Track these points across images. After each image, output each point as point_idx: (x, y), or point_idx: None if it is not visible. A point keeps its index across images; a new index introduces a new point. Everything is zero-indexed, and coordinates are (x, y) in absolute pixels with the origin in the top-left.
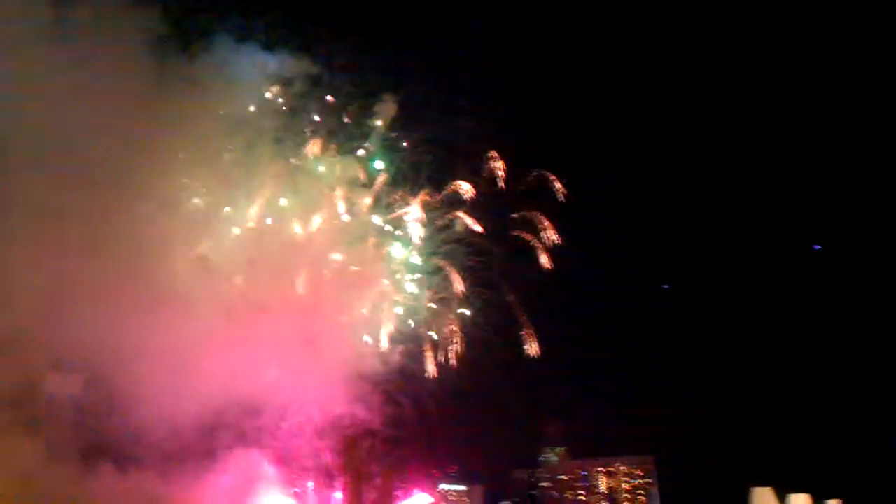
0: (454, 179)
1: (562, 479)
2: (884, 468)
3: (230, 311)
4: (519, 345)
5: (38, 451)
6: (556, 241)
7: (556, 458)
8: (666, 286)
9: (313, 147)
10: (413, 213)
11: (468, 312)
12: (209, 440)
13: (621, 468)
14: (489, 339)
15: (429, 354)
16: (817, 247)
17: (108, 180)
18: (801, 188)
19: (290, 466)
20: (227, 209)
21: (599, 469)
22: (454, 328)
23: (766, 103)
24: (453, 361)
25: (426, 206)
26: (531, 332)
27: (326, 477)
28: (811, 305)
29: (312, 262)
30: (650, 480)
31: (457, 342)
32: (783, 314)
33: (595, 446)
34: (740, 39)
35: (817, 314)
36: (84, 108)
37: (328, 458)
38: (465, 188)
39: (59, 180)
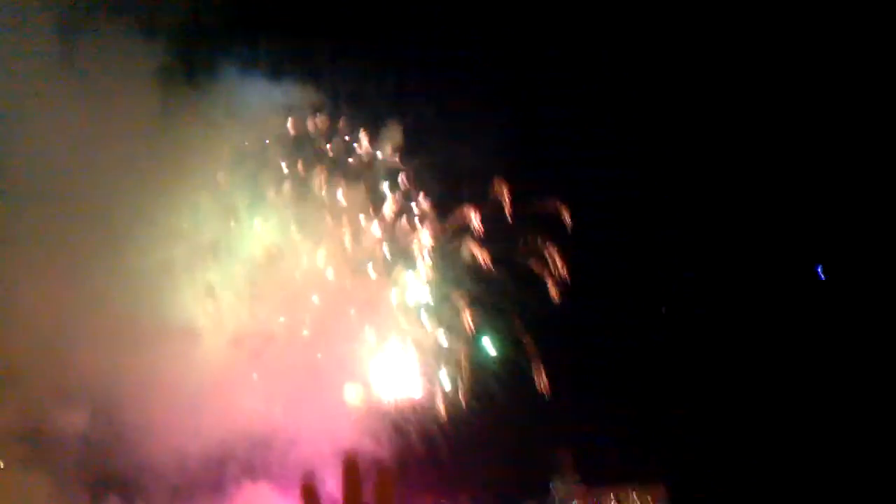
0: (461, 206)
1: None
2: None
3: (237, 343)
4: (528, 373)
5: (45, 487)
6: (564, 276)
7: (566, 487)
8: (663, 309)
9: (319, 176)
10: (423, 240)
11: (477, 342)
12: (217, 473)
13: (633, 496)
14: (498, 368)
15: (437, 388)
16: (820, 271)
17: (114, 212)
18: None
19: (298, 499)
20: (232, 239)
21: (610, 496)
22: (463, 359)
23: (769, 139)
24: (462, 394)
25: (434, 235)
26: (539, 364)
27: None
28: (826, 333)
29: (319, 292)
30: None
31: (465, 373)
32: (799, 340)
33: (606, 474)
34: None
35: (833, 340)
36: (89, 140)
37: (335, 489)
38: (472, 216)
39: (63, 213)
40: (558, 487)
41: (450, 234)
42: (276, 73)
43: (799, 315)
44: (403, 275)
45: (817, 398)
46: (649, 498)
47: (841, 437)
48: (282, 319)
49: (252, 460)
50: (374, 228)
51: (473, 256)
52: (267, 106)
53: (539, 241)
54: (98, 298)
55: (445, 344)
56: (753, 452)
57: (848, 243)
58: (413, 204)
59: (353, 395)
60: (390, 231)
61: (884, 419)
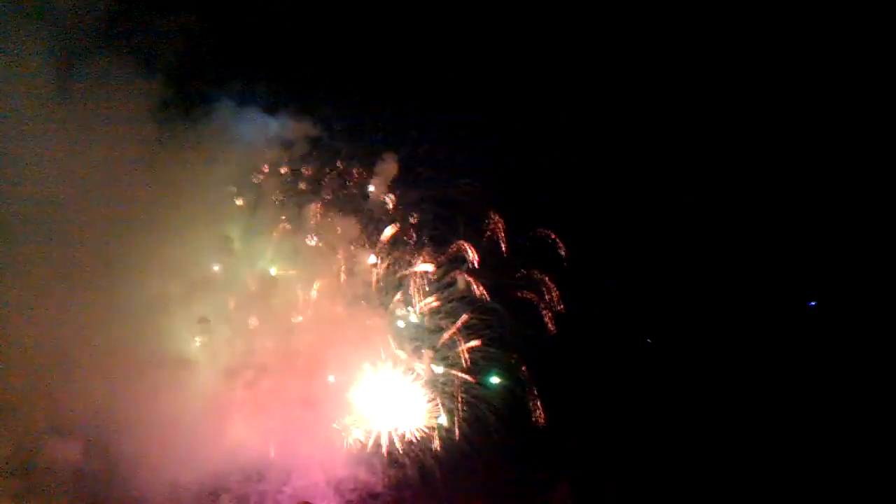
0: (456, 238)
1: None
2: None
3: (231, 374)
4: (525, 403)
5: None
6: (559, 309)
7: None
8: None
9: (314, 208)
10: (418, 271)
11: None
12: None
13: None
14: (493, 400)
15: (433, 419)
16: (812, 303)
17: (108, 245)
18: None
19: None
20: (227, 271)
21: None
22: (458, 390)
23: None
24: (456, 429)
25: (429, 266)
26: (536, 395)
27: None
28: (818, 357)
29: (314, 324)
30: None
31: (460, 405)
32: (791, 367)
33: (602, 495)
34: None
35: (824, 366)
36: (84, 172)
37: None
38: (468, 251)
39: (57, 245)
40: None
41: (445, 266)
42: (271, 106)
43: (795, 346)
44: (398, 306)
45: (817, 425)
46: None
47: (847, 458)
48: (276, 352)
49: (246, 492)
50: (370, 259)
51: (469, 287)
52: (262, 139)
53: (534, 272)
54: (92, 331)
55: (440, 375)
56: (754, 481)
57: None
58: (406, 237)
59: (347, 427)
60: (385, 262)
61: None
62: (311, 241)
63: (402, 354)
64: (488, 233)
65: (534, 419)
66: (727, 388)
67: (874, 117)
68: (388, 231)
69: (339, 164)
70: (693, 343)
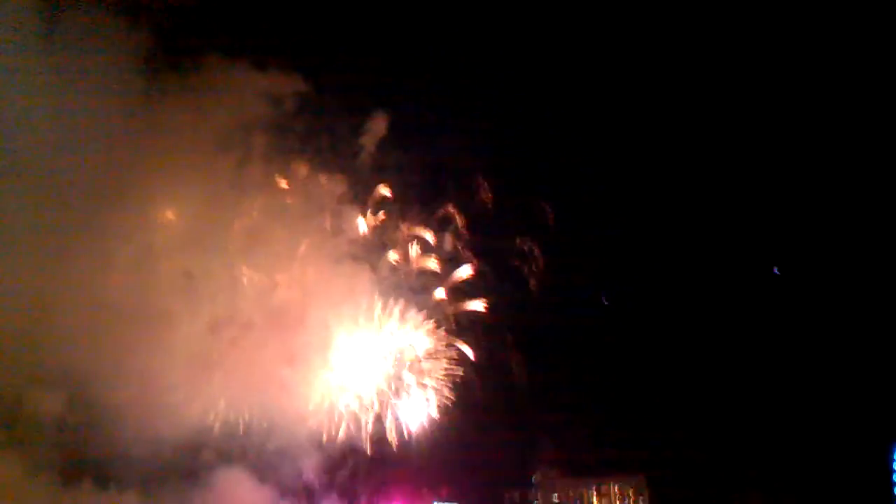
0: (444, 201)
1: (554, 500)
2: (874, 484)
3: (214, 329)
4: (509, 366)
5: (19, 469)
6: (541, 269)
7: (548, 479)
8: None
9: (302, 165)
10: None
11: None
12: (192, 459)
13: (613, 487)
14: (481, 363)
15: (420, 381)
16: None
17: (94, 196)
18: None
19: (273, 486)
20: (213, 227)
21: (592, 487)
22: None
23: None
24: (447, 392)
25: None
26: (519, 357)
27: (309, 498)
28: (798, 323)
29: (298, 281)
30: (642, 497)
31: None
32: (770, 333)
33: (587, 466)
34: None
35: (803, 331)
36: (71, 123)
37: (311, 477)
38: (456, 214)
39: (43, 196)
40: (541, 479)
41: (434, 226)
42: (260, 60)
43: (776, 311)
44: (384, 265)
45: (793, 392)
46: (630, 489)
47: (816, 428)
48: (260, 306)
49: (228, 447)
50: (357, 221)
51: (455, 249)
52: (251, 92)
53: (519, 236)
54: (76, 283)
55: (425, 337)
56: (733, 445)
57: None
58: (394, 197)
59: (330, 384)
60: (372, 223)
61: (857, 412)
62: (300, 199)
63: (386, 314)
64: (477, 197)
65: (516, 378)
66: (694, 352)
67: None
68: (379, 191)
69: (328, 120)
70: (663, 307)
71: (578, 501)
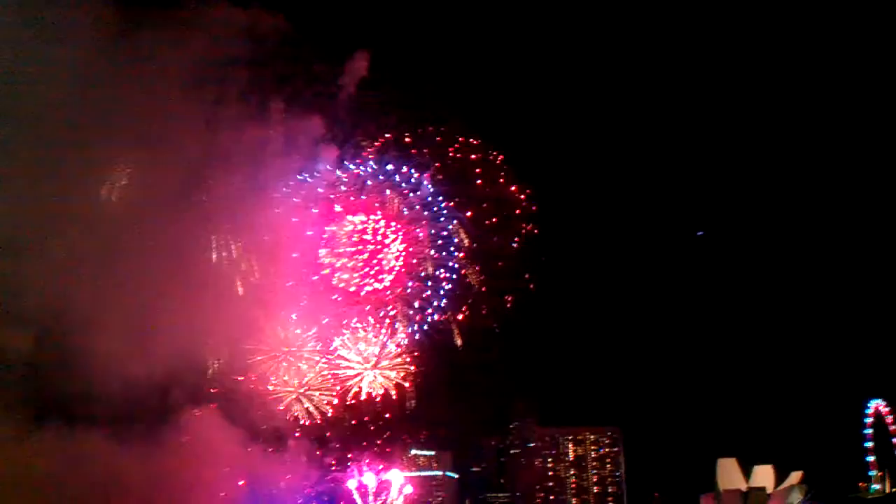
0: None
1: (531, 447)
2: (844, 442)
3: (183, 267)
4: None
5: None
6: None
7: (525, 428)
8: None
9: (279, 105)
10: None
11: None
12: (162, 400)
13: (589, 437)
14: (459, 310)
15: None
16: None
17: (67, 137)
18: None
19: (244, 428)
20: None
21: (568, 438)
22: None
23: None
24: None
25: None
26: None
27: (278, 440)
28: (773, 282)
29: (268, 226)
30: (617, 449)
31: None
32: (746, 291)
33: (564, 416)
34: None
35: (779, 289)
36: (45, 57)
37: (282, 422)
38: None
39: (11, 132)
40: (518, 428)
41: (415, 165)
42: None
43: (754, 270)
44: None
45: (768, 349)
46: (605, 439)
47: (790, 385)
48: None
49: (197, 389)
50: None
51: (434, 192)
52: (229, 27)
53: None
54: (46, 225)
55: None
56: (707, 399)
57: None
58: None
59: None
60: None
61: (831, 372)
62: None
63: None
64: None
65: (493, 326)
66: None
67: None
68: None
69: (306, 58)
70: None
71: (554, 449)
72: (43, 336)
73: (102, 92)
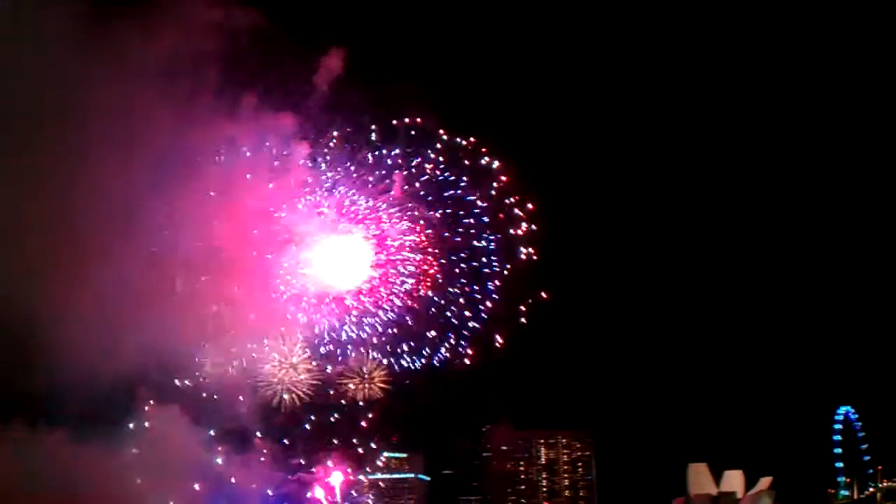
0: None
1: (503, 450)
2: (813, 448)
3: (148, 263)
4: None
5: None
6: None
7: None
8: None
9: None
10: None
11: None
12: (125, 396)
13: (561, 440)
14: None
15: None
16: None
17: (32, 121)
18: None
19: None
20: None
21: (540, 441)
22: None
23: None
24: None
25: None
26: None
27: (242, 441)
28: (743, 290)
29: (240, 217)
30: (588, 453)
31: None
32: (717, 298)
33: (536, 420)
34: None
35: (749, 297)
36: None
37: (247, 421)
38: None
39: None
40: (491, 431)
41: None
42: None
43: (722, 279)
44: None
45: (739, 355)
46: (576, 443)
47: (761, 392)
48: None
49: (163, 385)
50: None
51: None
52: (205, 21)
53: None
54: (8, 218)
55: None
56: (679, 404)
57: None
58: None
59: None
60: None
61: (801, 378)
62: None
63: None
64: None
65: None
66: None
67: None
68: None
69: (280, 55)
70: None
71: (527, 452)
72: (3, 333)
73: (72, 89)
